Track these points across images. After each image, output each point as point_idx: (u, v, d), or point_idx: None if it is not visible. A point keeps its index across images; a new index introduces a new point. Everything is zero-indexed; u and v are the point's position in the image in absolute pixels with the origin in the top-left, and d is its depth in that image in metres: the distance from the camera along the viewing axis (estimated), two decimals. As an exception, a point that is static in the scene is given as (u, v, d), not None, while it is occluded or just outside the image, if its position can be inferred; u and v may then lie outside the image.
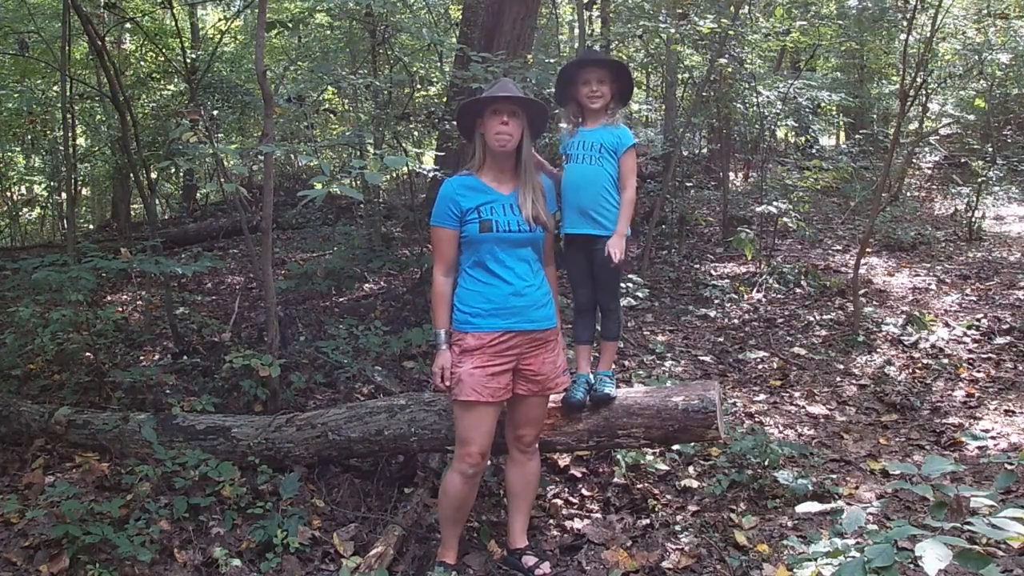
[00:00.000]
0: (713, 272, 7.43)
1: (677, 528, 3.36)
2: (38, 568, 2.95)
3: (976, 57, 9.41)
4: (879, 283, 7.07)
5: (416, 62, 7.80)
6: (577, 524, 3.47)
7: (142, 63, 8.44)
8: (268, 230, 3.96)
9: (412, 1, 8.41)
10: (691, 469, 3.86)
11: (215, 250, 7.91)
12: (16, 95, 7.77)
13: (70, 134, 6.50)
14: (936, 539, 1.67)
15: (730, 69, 7.69)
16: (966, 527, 1.76)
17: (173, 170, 10.04)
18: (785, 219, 7.24)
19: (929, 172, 11.71)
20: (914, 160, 10.93)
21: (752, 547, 3.18)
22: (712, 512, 3.48)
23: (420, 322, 4.93)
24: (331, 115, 9.04)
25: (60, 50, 5.51)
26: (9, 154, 9.91)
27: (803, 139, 11.16)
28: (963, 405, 4.63)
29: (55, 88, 8.04)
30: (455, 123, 3.31)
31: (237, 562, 3.07)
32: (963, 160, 10.69)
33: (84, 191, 11.00)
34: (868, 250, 7.42)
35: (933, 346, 5.47)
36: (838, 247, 8.43)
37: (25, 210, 10.34)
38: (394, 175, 8.96)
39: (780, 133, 12.07)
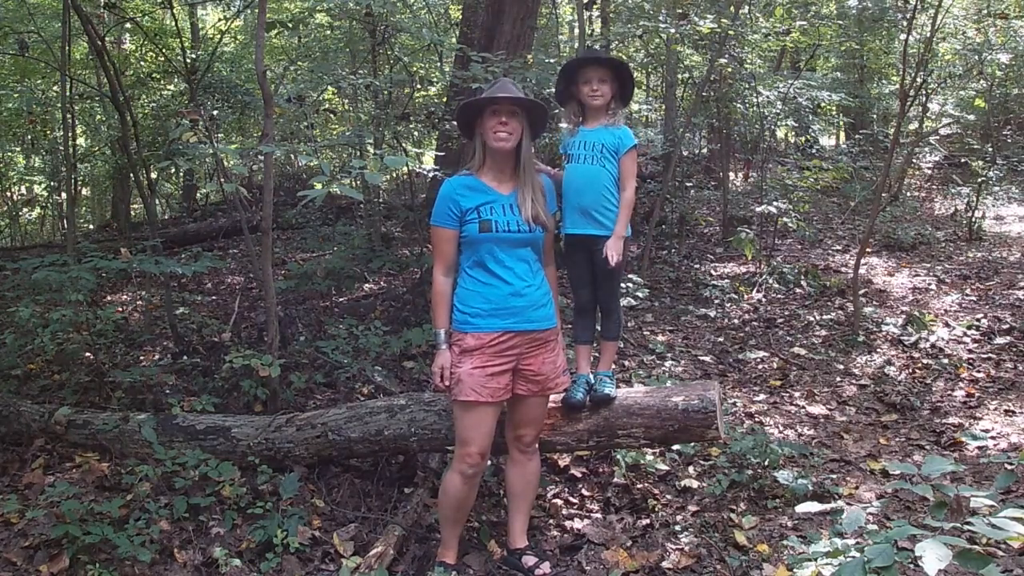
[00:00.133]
0: (713, 272, 7.42)
1: (677, 528, 3.36)
2: (38, 568, 2.95)
3: (976, 57, 9.42)
4: (879, 283, 7.07)
5: (416, 62, 7.80)
6: (577, 524, 3.47)
7: (142, 63, 8.42)
8: (268, 230, 3.97)
9: (412, 1, 8.41)
10: (691, 469, 3.86)
11: (215, 250, 7.90)
12: (16, 95, 7.78)
13: (70, 134, 6.50)
14: (936, 539, 1.67)
15: (730, 69, 7.69)
16: (966, 527, 1.76)
17: (173, 170, 10.05)
18: (785, 219, 7.24)
19: (929, 172, 11.72)
20: (914, 160, 10.94)
21: (752, 547, 3.18)
22: (712, 512, 3.48)
23: (420, 322, 4.93)
24: (331, 115, 9.03)
25: (60, 50, 5.51)
26: (9, 154, 9.90)
27: (803, 139, 11.14)
28: (963, 405, 4.63)
29: (55, 88, 8.04)
30: (455, 123, 3.31)
31: (237, 562, 3.07)
32: (963, 160, 10.69)
33: (84, 191, 11.00)
34: (868, 250, 7.42)
35: (933, 346, 5.47)
36: (838, 247, 8.43)
37: (25, 210, 10.34)
38: (394, 175, 8.95)
39: (780, 133, 12.08)
